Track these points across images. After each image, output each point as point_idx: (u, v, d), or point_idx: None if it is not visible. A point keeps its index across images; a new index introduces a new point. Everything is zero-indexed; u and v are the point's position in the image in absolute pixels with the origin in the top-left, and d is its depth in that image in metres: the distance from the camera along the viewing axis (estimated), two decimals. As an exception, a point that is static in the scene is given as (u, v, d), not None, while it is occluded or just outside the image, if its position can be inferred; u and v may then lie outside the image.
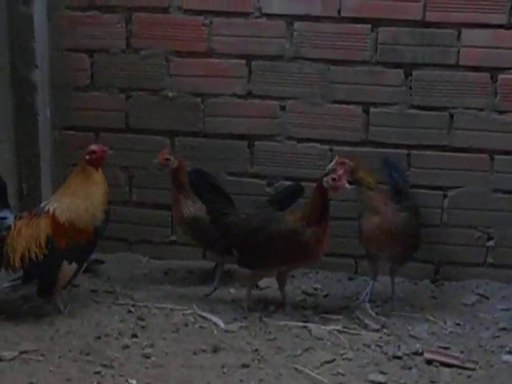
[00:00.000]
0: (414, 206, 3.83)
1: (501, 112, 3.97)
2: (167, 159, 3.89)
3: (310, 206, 3.56)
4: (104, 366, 3.15)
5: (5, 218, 3.53)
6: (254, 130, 4.14)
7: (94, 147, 3.64)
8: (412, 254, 3.84)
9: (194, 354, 3.31)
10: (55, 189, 4.05)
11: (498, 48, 3.90)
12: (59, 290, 3.64)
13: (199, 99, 4.14)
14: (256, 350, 3.34)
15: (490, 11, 3.88)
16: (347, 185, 3.50)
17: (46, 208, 3.57)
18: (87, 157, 3.60)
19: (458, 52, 3.94)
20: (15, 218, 3.55)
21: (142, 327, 3.54)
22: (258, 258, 3.65)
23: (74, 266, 3.58)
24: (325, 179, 3.50)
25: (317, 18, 3.99)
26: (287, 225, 3.58)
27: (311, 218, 3.52)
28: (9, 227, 3.52)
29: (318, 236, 3.52)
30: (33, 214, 3.58)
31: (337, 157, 3.76)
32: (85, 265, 3.69)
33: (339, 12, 3.97)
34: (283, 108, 4.11)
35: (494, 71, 3.94)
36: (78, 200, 3.56)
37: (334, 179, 3.47)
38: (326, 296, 3.97)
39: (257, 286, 3.92)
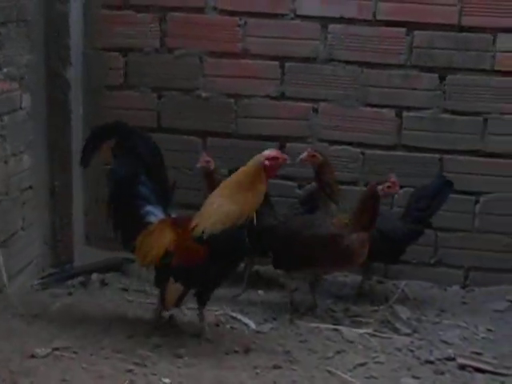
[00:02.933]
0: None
1: (536, 118, 3.97)
2: (208, 161, 3.89)
3: (360, 212, 3.54)
4: (136, 364, 3.14)
5: (151, 214, 3.37)
6: (286, 132, 4.14)
7: (275, 153, 3.24)
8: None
9: (226, 354, 3.30)
10: (86, 187, 4.09)
11: (533, 53, 3.90)
12: (169, 309, 3.45)
13: (232, 100, 4.15)
14: (288, 351, 3.33)
15: (526, 16, 3.88)
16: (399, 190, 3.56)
17: (192, 221, 3.29)
18: (266, 162, 3.19)
19: (493, 57, 3.94)
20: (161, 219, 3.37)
21: (173, 326, 3.55)
22: (297, 260, 3.64)
23: (180, 286, 3.31)
24: (380, 187, 3.50)
25: (351, 21, 4.00)
26: (331, 229, 3.56)
27: (359, 224, 3.51)
28: (147, 224, 3.35)
29: (364, 242, 3.52)
30: (175, 222, 3.36)
31: (309, 149, 3.82)
32: (195, 289, 3.36)
33: (374, 15, 3.98)
34: (315, 110, 4.11)
35: (529, 77, 3.94)
36: (220, 212, 3.21)
37: (389, 187, 3.51)
38: (355, 299, 3.96)
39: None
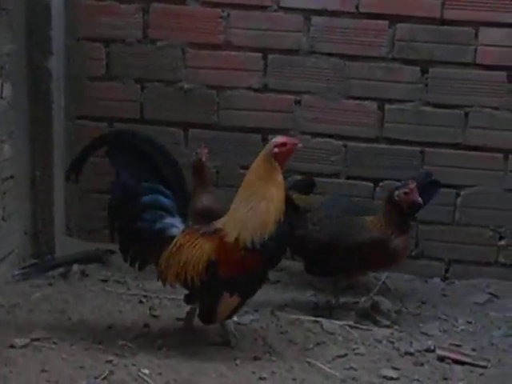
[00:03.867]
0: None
1: (517, 111, 3.98)
2: (207, 153, 3.85)
3: (387, 219, 3.51)
4: (116, 355, 3.13)
5: (172, 226, 3.17)
6: (269, 124, 4.14)
7: (283, 139, 3.13)
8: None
9: (206, 345, 3.30)
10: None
11: (514, 47, 3.92)
12: (220, 321, 3.26)
13: (214, 92, 4.14)
14: (268, 343, 3.33)
15: (507, 10, 3.89)
16: (420, 199, 3.45)
17: (216, 228, 3.14)
18: (276, 149, 3.08)
19: (475, 50, 3.95)
20: (183, 231, 3.17)
21: (154, 317, 3.54)
22: (336, 266, 3.63)
23: (237, 298, 3.13)
24: (396, 193, 3.48)
25: (334, 13, 4.00)
26: (374, 234, 3.52)
27: (393, 229, 3.49)
28: (171, 238, 3.16)
29: (405, 243, 3.54)
30: (200, 231, 3.16)
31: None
32: (249, 297, 3.22)
33: (357, 7, 3.98)
34: (298, 102, 4.11)
35: (510, 70, 3.95)
36: (254, 217, 3.05)
37: (405, 193, 3.45)
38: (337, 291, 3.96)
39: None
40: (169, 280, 3.20)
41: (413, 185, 3.46)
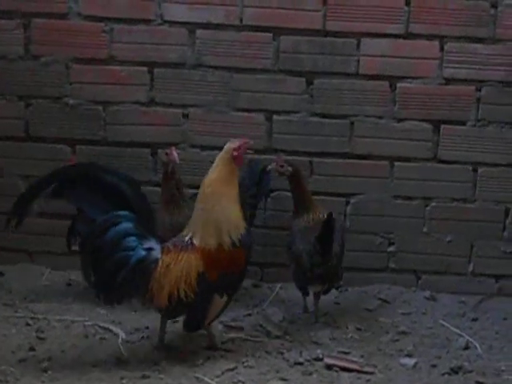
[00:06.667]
0: None
1: (400, 120, 4.07)
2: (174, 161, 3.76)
3: None
4: (-2, 380, 3.07)
5: (151, 249, 3.19)
6: (158, 138, 4.11)
7: (237, 141, 3.29)
8: None
9: (94, 366, 3.24)
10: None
11: (396, 57, 4.00)
12: (207, 325, 3.37)
13: (100, 107, 4.08)
14: (157, 360, 3.30)
15: (388, 21, 3.98)
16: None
17: (190, 238, 3.23)
18: (235, 153, 3.24)
19: (358, 61, 4.02)
20: (162, 250, 3.20)
21: (41, 339, 3.46)
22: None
23: (225, 298, 3.29)
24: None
25: (219, 26, 4.00)
26: None
27: None
28: (156, 260, 3.17)
29: None
30: (179, 246, 3.22)
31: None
32: (235, 295, 3.39)
33: (241, 20, 3.99)
34: (186, 116, 4.09)
35: (392, 80, 4.03)
36: (224, 218, 3.21)
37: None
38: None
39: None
40: (159, 303, 3.20)
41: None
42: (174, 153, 3.75)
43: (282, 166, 3.82)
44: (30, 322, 3.63)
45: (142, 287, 3.17)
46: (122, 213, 3.16)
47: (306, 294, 3.81)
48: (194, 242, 3.22)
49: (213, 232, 3.21)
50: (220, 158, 3.29)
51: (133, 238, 3.15)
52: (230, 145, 3.29)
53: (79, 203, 3.29)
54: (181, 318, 3.40)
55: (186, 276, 3.18)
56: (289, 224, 3.87)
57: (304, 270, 3.64)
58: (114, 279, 3.11)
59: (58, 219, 4.17)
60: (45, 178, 3.25)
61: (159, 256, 3.19)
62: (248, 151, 3.39)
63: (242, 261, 3.27)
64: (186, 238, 3.24)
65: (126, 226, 3.15)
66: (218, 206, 3.21)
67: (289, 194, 3.90)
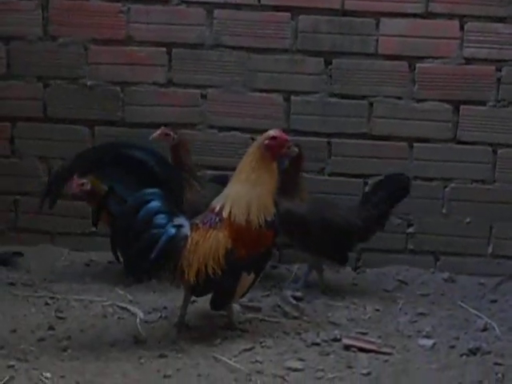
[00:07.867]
0: None
1: (419, 100, 4.03)
2: (167, 134, 3.78)
3: None
4: (18, 359, 3.07)
5: (181, 227, 3.20)
6: (175, 119, 4.10)
7: (274, 132, 3.27)
8: None
9: (112, 345, 3.26)
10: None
11: (415, 37, 3.96)
12: (234, 302, 3.43)
13: (118, 88, 4.09)
14: (175, 340, 3.32)
15: (408, 0, 3.94)
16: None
17: (222, 214, 3.22)
18: (266, 142, 3.23)
19: (377, 41, 3.98)
20: (191, 227, 3.22)
21: (60, 319, 3.48)
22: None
23: (252, 276, 3.29)
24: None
25: (237, 6, 3.98)
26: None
27: None
28: (186, 237, 3.20)
29: None
30: (207, 223, 3.23)
31: (162, 127, 3.82)
32: (262, 273, 3.39)
33: (259, 0, 3.97)
34: (204, 96, 4.09)
35: (412, 60, 4.00)
36: (255, 199, 3.21)
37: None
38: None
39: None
40: (188, 280, 3.20)
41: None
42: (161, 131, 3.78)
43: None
44: (50, 301, 3.66)
45: (171, 264, 3.19)
46: (151, 190, 3.18)
47: (345, 262, 3.93)
48: (224, 214, 3.22)
49: (244, 209, 3.21)
50: (253, 144, 3.31)
51: (162, 216, 3.18)
52: (268, 132, 3.28)
53: (110, 182, 3.33)
54: (199, 299, 3.43)
55: (215, 253, 3.19)
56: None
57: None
58: (146, 257, 3.13)
59: (76, 200, 4.19)
60: (76, 158, 3.28)
61: (188, 233, 3.20)
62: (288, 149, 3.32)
63: (268, 241, 3.28)
64: (216, 216, 3.24)
65: (156, 204, 3.17)
66: (251, 187, 3.22)
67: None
